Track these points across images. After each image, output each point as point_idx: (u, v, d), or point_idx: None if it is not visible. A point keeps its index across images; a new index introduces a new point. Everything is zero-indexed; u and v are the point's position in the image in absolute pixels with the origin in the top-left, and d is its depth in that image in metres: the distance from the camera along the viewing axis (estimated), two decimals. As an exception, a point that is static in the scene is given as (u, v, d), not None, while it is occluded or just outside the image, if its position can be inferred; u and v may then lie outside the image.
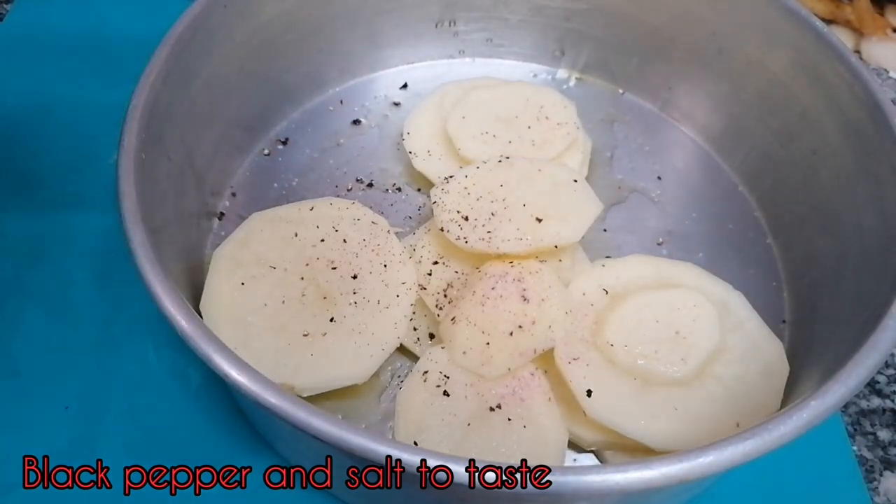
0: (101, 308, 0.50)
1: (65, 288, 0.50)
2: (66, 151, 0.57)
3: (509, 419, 0.41)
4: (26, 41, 0.65)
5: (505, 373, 0.42)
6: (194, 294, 0.44)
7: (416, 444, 0.40)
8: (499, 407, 0.42)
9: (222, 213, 0.53)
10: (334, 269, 0.46)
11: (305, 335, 0.43)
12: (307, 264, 0.46)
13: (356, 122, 0.59)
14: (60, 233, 0.53)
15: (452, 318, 0.44)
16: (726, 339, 0.44)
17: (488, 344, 0.43)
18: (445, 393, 0.42)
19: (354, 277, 0.45)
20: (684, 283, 0.47)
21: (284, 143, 0.57)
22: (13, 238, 0.53)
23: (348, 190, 0.55)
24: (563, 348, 0.43)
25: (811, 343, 0.45)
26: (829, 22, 0.76)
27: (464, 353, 0.43)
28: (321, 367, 0.42)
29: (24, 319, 0.49)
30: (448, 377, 0.43)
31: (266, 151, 0.57)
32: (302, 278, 0.45)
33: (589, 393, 0.41)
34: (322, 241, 0.47)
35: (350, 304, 0.44)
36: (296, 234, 0.47)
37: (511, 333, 0.43)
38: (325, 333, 0.43)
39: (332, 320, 0.43)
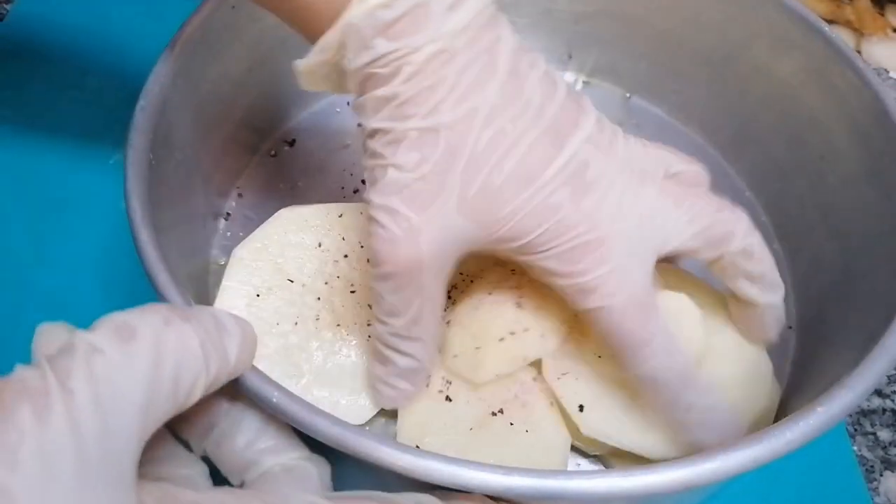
0: (102, 309, 0.49)
1: (65, 288, 0.50)
2: (67, 151, 0.57)
3: (511, 424, 0.41)
4: (27, 41, 0.64)
5: (494, 378, 0.42)
6: (198, 293, 0.44)
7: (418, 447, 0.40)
8: (501, 412, 0.41)
9: (228, 214, 0.53)
10: (353, 292, 0.45)
11: (308, 367, 0.42)
12: (326, 282, 0.45)
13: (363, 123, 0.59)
14: (61, 233, 0.53)
15: (447, 322, 0.44)
16: (713, 341, 0.42)
17: (478, 348, 0.42)
18: (447, 398, 0.42)
19: (370, 307, 0.45)
20: (669, 287, 0.46)
21: (291, 144, 0.57)
22: (13, 238, 0.53)
23: (354, 191, 0.55)
24: (552, 363, 0.42)
25: (818, 349, 0.45)
26: (829, 22, 0.76)
27: (454, 356, 0.42)
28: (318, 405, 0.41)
29: (24, 319, 0.49)
30: (450, 382, 0.42)
31: (273, 152, 0.57)
32: (318, 298, 0.44)
33: (581, 408, 0.41)
34: (346, 256, 0.46)
35: (363, 336, 0.43)
36: (319, 245, 0.46)
37: (502, 339, 0.42)
38: (329, 366, 0.42)
39: (338, 352, 0.43)
